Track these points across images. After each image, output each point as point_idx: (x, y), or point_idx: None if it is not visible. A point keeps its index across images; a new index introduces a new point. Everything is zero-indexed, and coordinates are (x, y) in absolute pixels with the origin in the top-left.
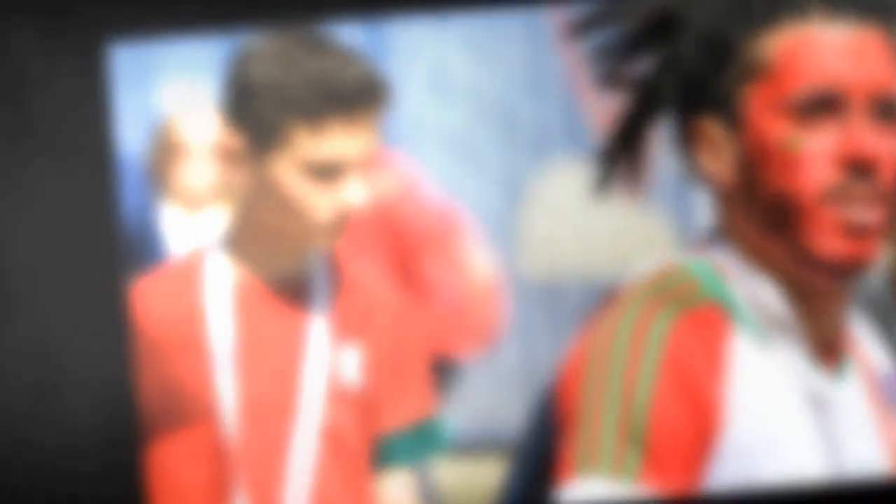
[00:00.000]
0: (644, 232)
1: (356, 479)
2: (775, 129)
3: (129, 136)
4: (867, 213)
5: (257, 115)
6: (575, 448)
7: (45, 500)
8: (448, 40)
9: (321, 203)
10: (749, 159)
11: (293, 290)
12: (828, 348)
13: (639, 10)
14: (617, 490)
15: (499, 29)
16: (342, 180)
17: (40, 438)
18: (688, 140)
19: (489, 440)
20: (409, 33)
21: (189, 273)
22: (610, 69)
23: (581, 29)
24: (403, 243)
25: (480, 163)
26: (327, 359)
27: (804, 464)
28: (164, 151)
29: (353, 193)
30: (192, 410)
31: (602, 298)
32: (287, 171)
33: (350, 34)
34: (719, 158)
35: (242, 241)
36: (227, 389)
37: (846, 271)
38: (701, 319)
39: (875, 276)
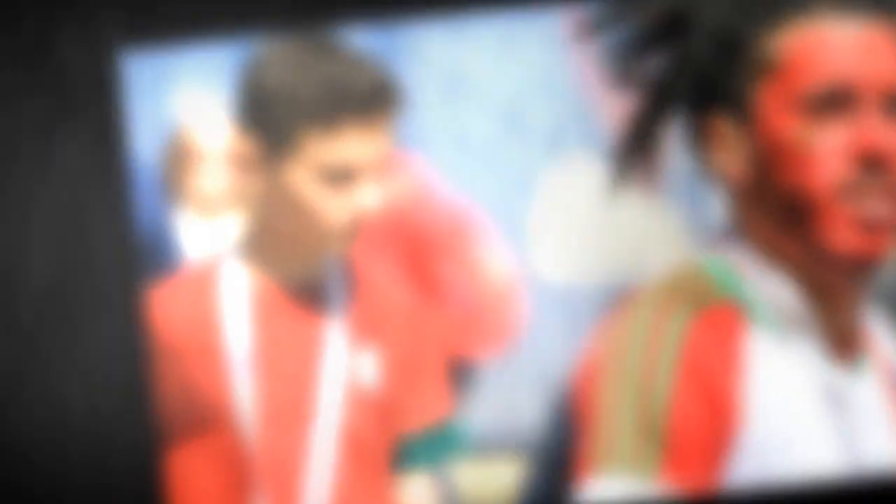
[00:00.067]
0: (658, 230)
1: (375, 483)
2: (787, 125)
3: (144, 144)
4: (881, 208)
5: (271, 121)
6: (593, 446)
7: None
8: (461, 42)
9: (336, 207)
10: (762, 156)
11: (309, 295)
12: (844, 343)
13: (650, 10)
14: (636, 488)
15: (512, 30)
16: (356, 185)
17: (60, 446)
18: (700, 138)
19: (507, 441)
20: (422, 36)
21: (205, 279)
22: (622, 68)
23: (593, 29)
24: (419, 245)
25: (494, 163)
26: (345, 362)
27: (822, 459)
28: (179, 159)
29: (368, 197)
30: (211, 416)
31: (618, 298)
32: (301, 176)
33: (362, 37)
34: (732, 156)
35: (258, 246)
36: (245, 395)
37: (861, 266)
38: (717, 317)
39: (889, 270)
